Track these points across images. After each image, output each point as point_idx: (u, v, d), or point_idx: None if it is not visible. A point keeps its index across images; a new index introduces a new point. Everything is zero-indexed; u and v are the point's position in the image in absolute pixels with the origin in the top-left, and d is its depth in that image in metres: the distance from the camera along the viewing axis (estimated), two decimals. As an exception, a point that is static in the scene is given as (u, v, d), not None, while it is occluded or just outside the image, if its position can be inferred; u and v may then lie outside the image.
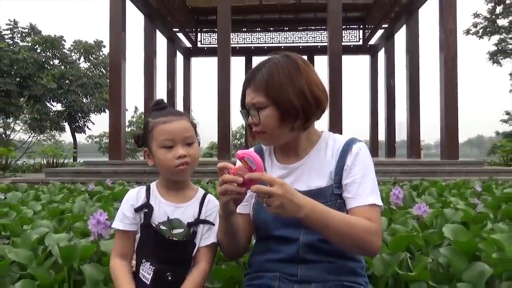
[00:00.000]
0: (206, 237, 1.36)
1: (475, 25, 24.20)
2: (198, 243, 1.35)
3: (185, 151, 1.30)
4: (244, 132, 20.28)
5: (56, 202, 3.18)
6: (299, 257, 1.27)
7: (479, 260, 1.63)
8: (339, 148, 1.33)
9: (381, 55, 14.62)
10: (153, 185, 1.42)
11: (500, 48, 24.28)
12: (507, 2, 23.08)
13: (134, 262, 1.35)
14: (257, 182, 1.10)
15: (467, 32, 24.51)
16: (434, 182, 4.55)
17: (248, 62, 15.83)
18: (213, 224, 1.36)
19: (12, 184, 5.48)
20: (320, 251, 1.26)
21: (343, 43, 9.94)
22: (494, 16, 23.64)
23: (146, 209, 1.34)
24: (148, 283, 1.28)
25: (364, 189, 1.26)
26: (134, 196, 1.38)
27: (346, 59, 10.33)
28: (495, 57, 24.62)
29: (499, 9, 23.47)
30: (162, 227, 1.32)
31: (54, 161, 15.07)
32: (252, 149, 1.23)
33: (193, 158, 1.33)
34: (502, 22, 23.74)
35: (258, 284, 1.30)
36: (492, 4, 23.36)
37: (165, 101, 1.43)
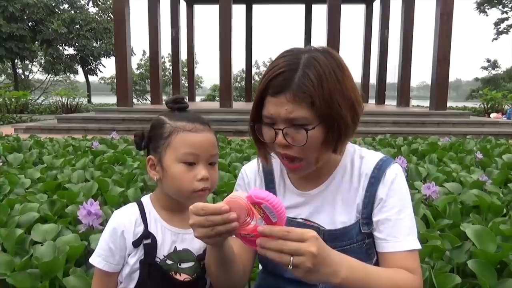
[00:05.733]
0: None
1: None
2: (208, 280, 0.97)
3: (208, 173, 0.90)
4: (244, 76, 18.89)
5: (56, 168, 2.83)
6: None
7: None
8: (367, 172, 0.93)
9: (377, 4, 13.59)
10: (147, 203, 0.97)
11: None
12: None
13: None
14: (273, 236, 0.69)
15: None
16: (430, 143, 4.17)
17: (249, 11, 14.80)
18: None
19: (17, 135, 5.12)
20: None
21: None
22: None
23: (147, 239, 0.92)
24: None
25: (400, 229, 0.88)
26: (125, 221, 0.93)
27: (342, 9, 9.45)
28: (482, 6, 23.28)
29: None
30: (168, 262, 0.93)
31: (69, 102, 14.60)
32: (271, 195, 0.70)
33: (214, 183, 0.93)
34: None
35: None
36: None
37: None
